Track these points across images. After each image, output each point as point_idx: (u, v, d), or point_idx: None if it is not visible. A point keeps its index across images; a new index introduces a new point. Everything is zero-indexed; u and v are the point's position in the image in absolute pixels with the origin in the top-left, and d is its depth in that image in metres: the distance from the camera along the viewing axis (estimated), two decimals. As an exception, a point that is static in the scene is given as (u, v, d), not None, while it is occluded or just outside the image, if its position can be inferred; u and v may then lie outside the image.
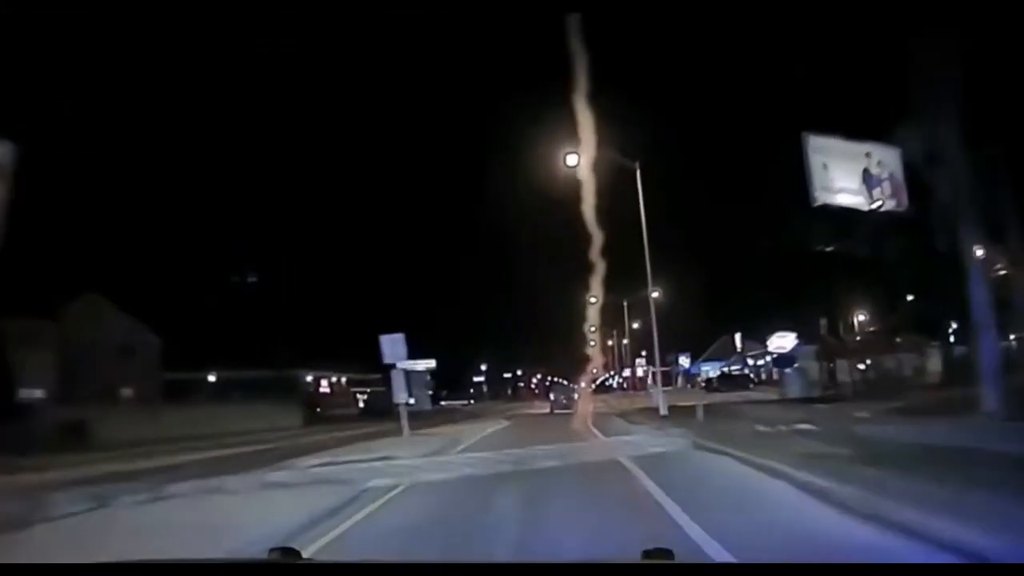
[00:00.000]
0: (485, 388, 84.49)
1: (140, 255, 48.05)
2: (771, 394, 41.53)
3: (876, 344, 54.39)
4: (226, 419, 32.78)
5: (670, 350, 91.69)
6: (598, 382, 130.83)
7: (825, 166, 31.99)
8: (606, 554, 5.14)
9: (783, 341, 41.42)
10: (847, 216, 33.50)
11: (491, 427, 25.66)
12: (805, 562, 2.28)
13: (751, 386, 60.09)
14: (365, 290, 78.89)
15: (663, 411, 23.93)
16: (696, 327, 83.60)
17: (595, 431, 20.18)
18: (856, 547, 5.44)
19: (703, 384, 68.37)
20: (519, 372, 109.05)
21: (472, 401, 74.75)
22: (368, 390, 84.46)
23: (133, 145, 46.80)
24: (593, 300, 46.19)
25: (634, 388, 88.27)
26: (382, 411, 53.77)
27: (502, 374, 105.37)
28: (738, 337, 79.87)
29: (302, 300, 78.58)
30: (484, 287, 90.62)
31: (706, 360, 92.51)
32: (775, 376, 66.61)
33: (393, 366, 20.96)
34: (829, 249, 37.00)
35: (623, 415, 30.77)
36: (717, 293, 68.94)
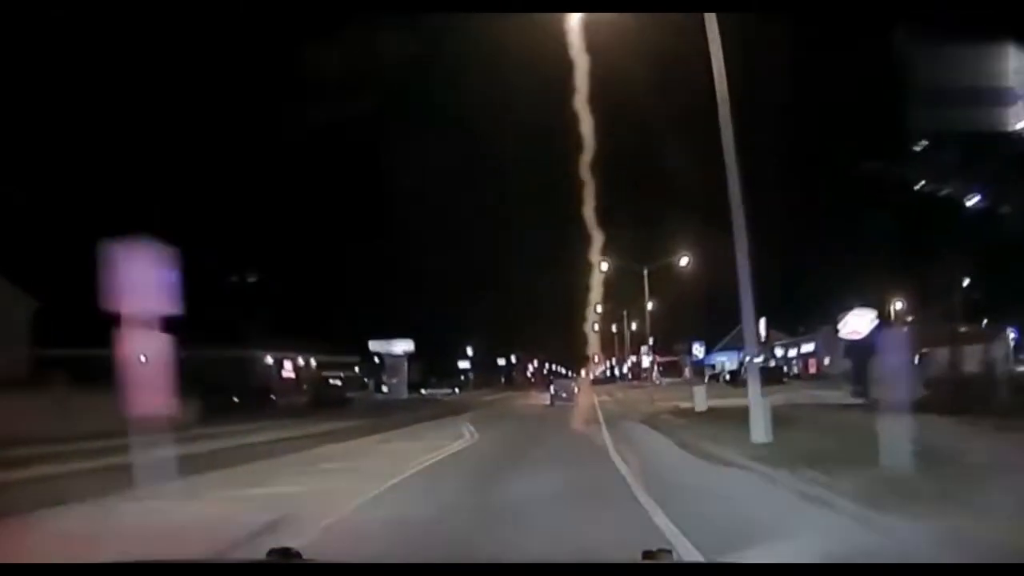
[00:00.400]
0: (471, 375, 72.05)
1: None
2: (837, 392, 29.22)
3: (934, 334, 44.12)
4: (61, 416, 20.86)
5: (681, 336, 79.63)
6: (597, 372, 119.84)
7: (951, 65, 20.60)
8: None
9: (859, 323, 29.06)
10: (973, 143, 22.81)
11: (440, 449, 13.78)
12: (805, 562, 2.32)
13: (785, 380, 47.93)
14: (338, 260, 67.25)
15: (760, 433, 11.84)
16: (707, 312, 71.56)
17: (651, 508, 7.90)
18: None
19: (726, 377, 56.19)
20: (513, 359, 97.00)
21: (458, 390, 62.75)
22: (341, 374, 72.89)
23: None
24: (604, 267, 34.46)
25: (638, 379, 76.63)
26: (335, 401, 42.26)
27: (496, 360, 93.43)
28: (763, 323, 67.63)
29: (269, 273, 67.61)
30: (476, 259, 78.76)
31: (721, 350, 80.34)
32: (812, 368, 54.82)
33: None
34: (943, 193, 27.10)
35: (654, 422, 18.92)
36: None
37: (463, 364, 72.96)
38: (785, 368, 54.81)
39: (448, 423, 23.01)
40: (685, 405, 28.15)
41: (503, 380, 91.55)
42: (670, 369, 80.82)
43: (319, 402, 40.70)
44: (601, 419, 22.59)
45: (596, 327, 59.46)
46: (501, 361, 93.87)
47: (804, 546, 5.43)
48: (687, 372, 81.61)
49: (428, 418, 27.11)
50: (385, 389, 55.09)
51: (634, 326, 58.96)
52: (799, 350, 57.28)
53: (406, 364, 55.67)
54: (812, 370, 54.21)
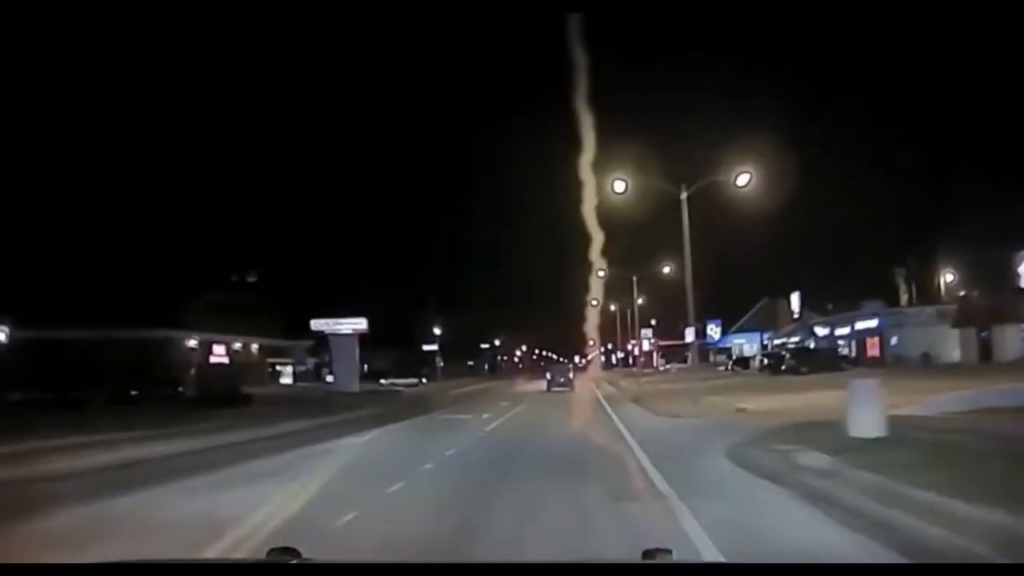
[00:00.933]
0: (440, 361, 58.26)
1: None
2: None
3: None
4: None
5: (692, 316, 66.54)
6: (591, 357, 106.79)
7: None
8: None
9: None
10: None
11: None
12: (804, 562, 2.17)
13: (845, 366, 34.58)
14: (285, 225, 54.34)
15: None
16: (721, 288, 58.52)
17: None
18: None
19: (761, 363, 43.08)
20: (497, 342, 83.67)
21: (425, 380, 49.49)
22: (290, 361, 59.59)
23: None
24: (619, 188, 21.28)
25: (637, 365, 63.91)
26: (227, 396, 29.02)
27: (479, 344, 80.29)
28: (795, 299, 54.63)
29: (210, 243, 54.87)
30: (456, 232, 65.87)
31: (739, 331, 67.36)
32: (872, 350, 42.05)
33: None
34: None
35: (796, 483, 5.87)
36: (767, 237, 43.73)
37: (429, 347, 59.33)
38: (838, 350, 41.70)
39: (347, 454, 10.10)
40: (753, 407, 15.94)
41: (486, 367, 78.28)
42: (673, 353, 67.84)
43: (207, 397, 27.41)
44: (647, 464, 9.24)
45: (596, 302, 46.86)
46: (484, 345, 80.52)
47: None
48: (691, 357, 68.08)
49: (330, 434, 14.20)
50: (330, 379, 41.87)
51: (641, 300, 45.74)
52: (852, 327, 44.14)
53: (357, 347, 42.33)
54: (873, 352, 41.21)
